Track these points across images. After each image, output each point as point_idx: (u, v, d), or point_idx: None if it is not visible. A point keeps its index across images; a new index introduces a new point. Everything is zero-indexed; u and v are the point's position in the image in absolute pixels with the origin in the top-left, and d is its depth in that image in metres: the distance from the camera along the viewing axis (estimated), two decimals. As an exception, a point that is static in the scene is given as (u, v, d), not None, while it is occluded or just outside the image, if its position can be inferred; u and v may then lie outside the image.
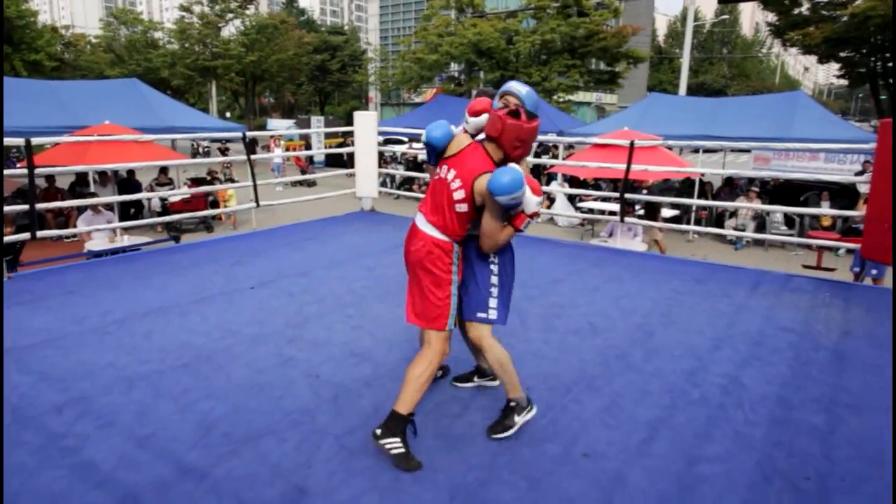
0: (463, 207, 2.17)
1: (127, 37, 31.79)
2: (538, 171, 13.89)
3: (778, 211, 9.89)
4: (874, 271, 5.57)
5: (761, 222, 10.69)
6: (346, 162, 16.04)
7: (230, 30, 29.11)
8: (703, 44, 51.38)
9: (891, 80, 17.20)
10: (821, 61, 19.40)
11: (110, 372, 2.75)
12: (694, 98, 15.55)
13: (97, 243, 7.28)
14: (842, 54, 17.51)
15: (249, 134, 6.47)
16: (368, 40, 54.16)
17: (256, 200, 5.94)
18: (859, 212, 4.57)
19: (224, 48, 27.32)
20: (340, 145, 22.27)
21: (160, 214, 10.78)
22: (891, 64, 16.82)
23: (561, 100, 22.04)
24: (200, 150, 24.36)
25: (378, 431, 2.13)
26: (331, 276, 4.44)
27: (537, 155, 15.09)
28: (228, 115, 41.71)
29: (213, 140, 22.42)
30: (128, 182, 11.03)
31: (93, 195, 9.11)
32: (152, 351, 3.00)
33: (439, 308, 2.23)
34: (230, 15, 28.12)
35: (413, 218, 2.33)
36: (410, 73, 24.49)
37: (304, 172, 18.20)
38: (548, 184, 13.52)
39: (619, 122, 12.38)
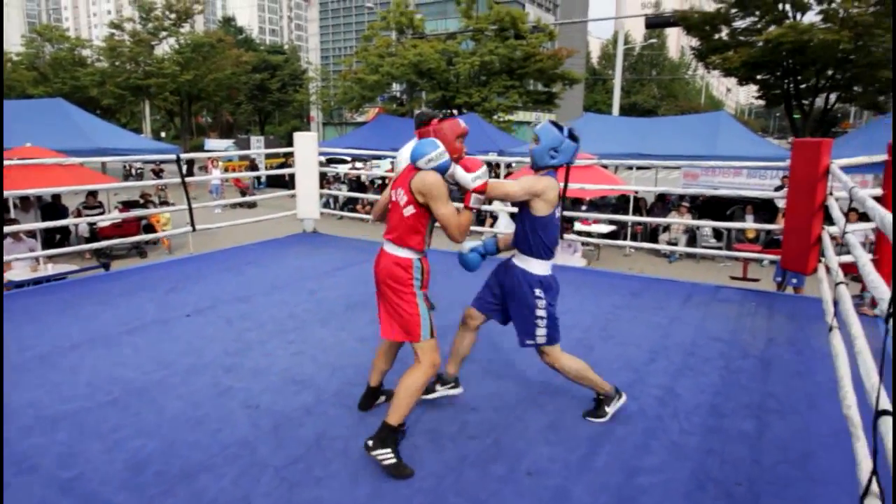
0: (410, 210, 2.32)
1: (52, 54, 30.35)
2: (481, 190, 14.07)
3: (706, 225, 10.39)
4: (794, 280, 5.92)
5: (692, 236, 11.19)
6: (287, 183, 15.80)
7: (164, 48, 28.27)
8: (633, 66, 53.83)
9: (803, 102, 18.50)
10: (740, 83, 20.64)
11: (30, 413, 2.58)
12: (626, 118, 16.21)
13: (18, 273, 6.84)
14: (758, 77, 18.68)
15: (185, 156, 6.28)
16: (309, 60, 53.84)
17: (192, 224, 5.75)
18: (779, 225, 4.87)
19: (157, 67, 26.46)
20: (282, 165, 21.93)
21: (88, 241, 10.26)
22: (803, 86, 18.10)
23: (501, 120, 22.51)
24: (133, 171, 23.41)
25: (370, 443, 2.23)
26: (271, 300, 4.33)
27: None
28: (163, 134, 40.34)
29: (147, 161, 21.61)
30: (53, 207, 10.45)
31: (14, 221, 8.57)
32: (78, 387, 2.83)
33: (410, 320, 2.33)
34: (164, 33, 27.33)
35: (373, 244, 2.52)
36: (352, 93, 24.46)
37: (244, 194, 17.77)
38: (489, 202, 13.68)
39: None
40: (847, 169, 4.16)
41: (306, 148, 6.60)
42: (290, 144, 6.71)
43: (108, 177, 12.45)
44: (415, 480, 2.17)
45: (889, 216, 1.83)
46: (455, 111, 22.21)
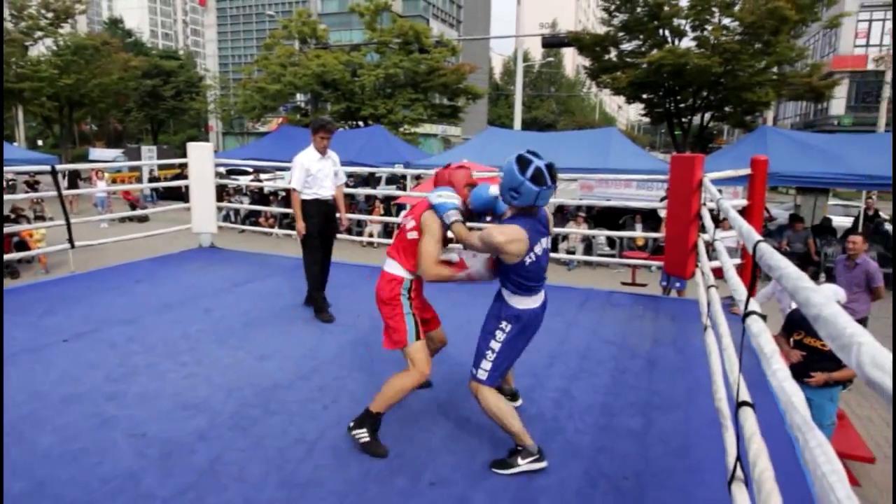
0: (413, 234, 2.56)
1: None
2: (388, 202, 14.08)
3: (600, 234, 11.01)
4: (678, 284, 6.39)
5: (589, 244, 11.80)
6: (184, 195, 14.97)
7: (40, 49, 25.91)
8: (534, 82, 56.19)
9: (682, 119, 20.14)
10: (628, 102, 22.13)
11: None
12: (527, 132, 16.87)
13: None
14: (644, 96, 20.15)
15: (63, 167, 5.78)
16: (206, 66, 51.46)
17: (71, 240, 5.30)
18: (662, 233, 5.24)
19: (32, 69, 24.20)
20: (177, 177, 20.75)
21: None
22: (682, 105, 19.72)
23: (407, 132, 22.66)
24: (5, 184, 21.21)
25: (351, 424, 2.50)
26: (162, 321, 4.07)
27: (390, 183, 15.32)
28: (41, 143, 36.91)
29: (19, 173, 19.68)
30: None
31: None
32: (-72, 427, 2.51)
33: (397, 327, 2.53)
34: (39, 33, 25.06)
35: None
36: (253, 103, 23.63)
37: (134, 207, 16.62)
38: (396, 214, 13.71)
39: (460, 155, 13.00)
40: (721, 181, 4.57)
41: (201, 159, 6.30)
42: (185, 154, 6.38)
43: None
44: (315, 500, 2.12)
45: (746, 225, 2.03)
46: (361, 123, 22.09)
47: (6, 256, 7.02)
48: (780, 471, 1.31)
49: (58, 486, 2.13)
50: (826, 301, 0.93)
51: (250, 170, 19.06)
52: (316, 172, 4.33)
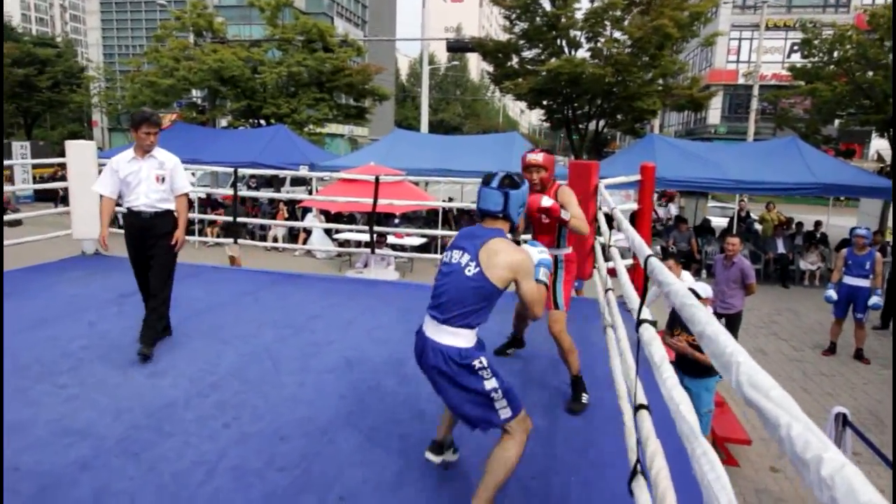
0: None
1: None
2: (293, 205, 13.65)
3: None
4: (576, 284, 6.71)
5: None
6: (64, 197, 13.68)
7: None
8: (440, 84, 56.77)
9: (579, 125, 21.17)
10: (529, 107, 22.92)
11: None
12: (432, 135, 17.02)
13: None
14: (544, 102, 20.96)
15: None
16: (88, 56, 47.43)
17: (-76, 250, 4.66)
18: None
19: None
20: (53, 176, 19.03)
21: None
22: (579, 112, 20.72)
23: (311, 132, 22.09)
24: None
25: None
26: (37, 338, 3.68)
27: (295, 184, 14.84)
28: None
29: None
30: None
31: None
32: None
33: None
34: None
35: None
36: (143, 98, 22.02)
37: (4, 210, 14.97)
38: (302, 217, 13.36)
39: (367, 157, 12.87)
40: (611, 187, 4.83)
41: (82, 158, 5.78)
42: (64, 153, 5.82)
43: None
44: (215, 527, 1.99)
45: (639, 238, 2.15)
46: (263, 121, 21.27)
47: None
48: (677, 469, 1.39)
49: None
50: (709, 319, 0.99)
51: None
52: (125, 177, 3.55)
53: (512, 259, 2.08)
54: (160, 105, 22.31)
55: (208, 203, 14.70)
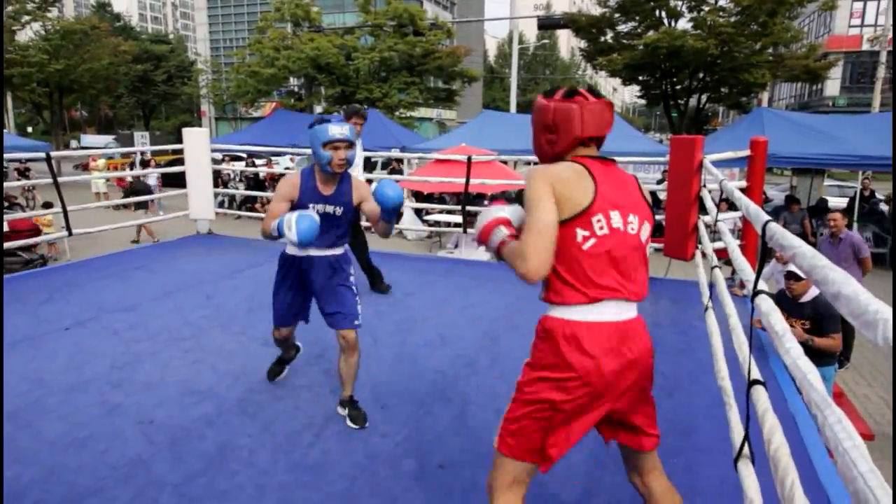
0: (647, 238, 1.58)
1: None
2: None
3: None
4: None
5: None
6: (183, 181, 14.86)
7: (28, 34, 25.49)
8: (528, 65, 55.74)
9: (679, 101, 20.06)
10: (624, 84, 22.01)
11: None
12: (522, 115, 16.75)
13: None
14: (640, 78, 20.04)
15: (57, 154, 5.72)
16: (197, 51, 50.83)
17: (68, 227, 5.26)
18: (661, 215, 5.24)
19: (21, 55, 23.84)
20: (171, 163, 20.61)
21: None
22: (678, 87, 19.63)
23: (403, 116, 22.50)
24: (-4, 170, 20.97)
25: None
26: (164, 308, 4.06)
27: (385, 168, 15.23)
28: (30, 129, 36.49)
29: (11, 160, 19.48)
30: None
31: None
32: (-66, 416, 2.50)
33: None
34: (27, 17, 24.64)
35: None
36: (246, 87, 23.37)
37: (128, 194, 16.48)
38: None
39: (457, 138, 12.94)
40: (717, 163, 4.56)
41: (197, 145, 6.24)
42: (179, 140, 6.31)
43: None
44: (325, 484, 2.13)
45: (754, 206, 2.03)
46: (357, 106, 21.92)
47: (20, 243, 6.88)
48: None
49: (68, 473, 2.13)
50: (846, 279, 0.93)
51: (244, 155, 18.94)
52: None
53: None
54: (262, 94, 23.56)
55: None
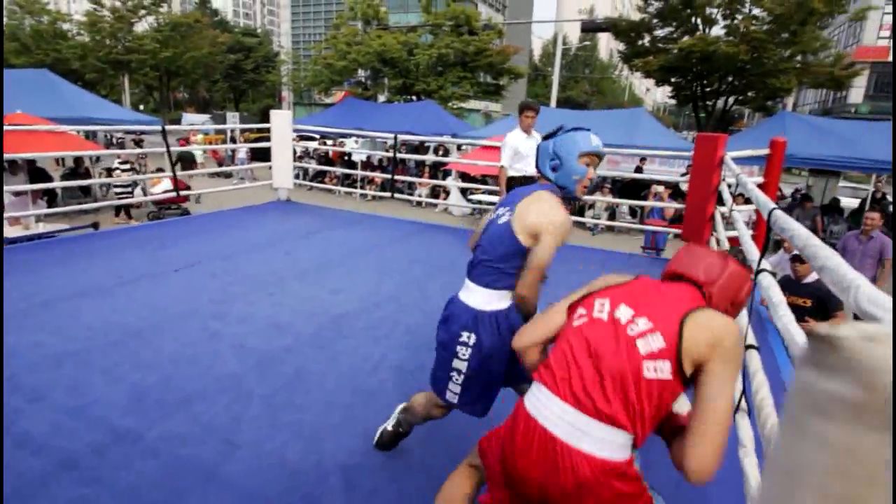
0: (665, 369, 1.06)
1: (32, 26, 27.86)
2: (436, 168, 14.07)
3: (624, 203, 10.81)
4: (660, 246, 6.41)
5: (612, 212, 11.60)
6: (265, 156, 15.31)
7: (143, 26, 26.42)
8: (570, 64, 54.00)
9: (707, 103, 19.19)
10: (657, 84, 21.17)
11: (37, 351, 2.53)
12: (563, 110, 16.42)
13: (12, 230, 6.45)
14: (672, 79, 19.23)
15: (170, 127, 6.02)
16: (281, 44, 51.48)
17: (176, 190, 5.57)
18: (681, 204, 5.15)
19: (138, 43, 24.77)
20: (255, 140, 21.15)
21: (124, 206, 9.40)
22: (708, 89, 18.75)
23: (455, 107, 22.36)
24: (115, 141, 22.05)
25: None
26: (252, 259, 4.29)
27: (435, 152, 15.28)
28: (142, 107, 38.00)
29: (129, 132, 20.41)
30: (39, 171, 9.80)
31: (50, 179, 7.91)
32: (79, 330, 2.78)
33: None
34: (143, 11, 25.51)
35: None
36: (321, 77, 23.64)
37: (220, 165, 17.10)
38: (443, 179, 13.73)
39: (503, 128, 12.81)
40: (737, 160, 4.43)
41: (282, 124, 6.44)
42: (263, 121, 6.53)
43: (95, 143, 11.72)
44: (382, 406, 2.27)
45: (763, 196, 2.02)
46: (414, 97, 21.89)
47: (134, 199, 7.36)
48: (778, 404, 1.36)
49: (179, 380, 2.36)
50: (830, 254, 0.96)
51: (316, 136, 19.28)
52: (522, 151, 4.22)
53: (547, 213, 1.53)
54: (335, 83, 23.79)
55: (368, 165, 15.63)
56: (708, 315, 1.06)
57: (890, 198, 12.15)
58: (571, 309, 1.23)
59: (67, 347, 2.58)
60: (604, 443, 1.03)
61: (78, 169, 10.01)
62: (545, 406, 1.09)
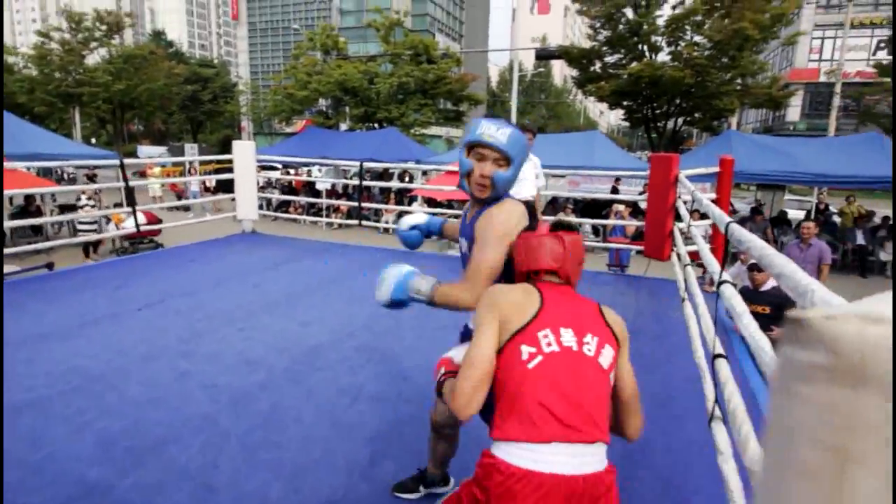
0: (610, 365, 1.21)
1: (-27, 60, 26.82)
2: (401, 194, 14.13)
3: (587, 223, 11.10)
4: (623, 263, 6.62)
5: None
6: (222, 188, 15.02)
7: (95, 58, 25.80)
8: (526, 90, 55.69)
9: (658, 124, 20.09)
10: (611, 108, 22.04)
11: (-10, 402, 2.38)
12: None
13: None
14: (624, 103, 20.08)
15: (130, 161, 5.87)
16: (239, 74, 51.14)
17: (137, 225, 5.41)
18: (642, 222, 5.33)
19: (90, 76, 24.14)
20: (215, 171, 20.80)
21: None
22: (658, 111, 19.64)
23: (417, 133, 22.63)
24: (66, 176, 21.24)
25: None
26: (217, 294, 4.19)
27: (400, 178, 15.36)
28: (94, 140, 36.86)
29: (79, 167, 19.70)
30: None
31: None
32: (37, 377, 2.64)
33: None
34: (95, 43, 24.95)
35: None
36: (282, 107, 23.58)
37: (179, 198, 16.68)
38: (409, 205, 13.78)
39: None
40: (691, 178, 4.65)
41: (245, 155, 6.38)
42: (223, 152, 6.45)
43: (46, 180, 11.26)
44: (361, 440, 2.24)
45: (719, 211, 2.13)
46: (376, 125, 22.05)
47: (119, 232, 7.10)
48: (751, 412, 1.42)
49: (149, 425, 2.26)
50: (786, 262, 1.03)
51: (279, 166, 19.11)
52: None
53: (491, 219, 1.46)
54: (296, 113, 23.74)
55: (333, 193, 15.55)
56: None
57: (832, 209, 12.91)
58: (508, 350, 1.14)
59: (25, 396, 2.44)
60: (605, 450, 1.15)
61: (28, 207, 9.59)
62: (553, 455, 1.06)
